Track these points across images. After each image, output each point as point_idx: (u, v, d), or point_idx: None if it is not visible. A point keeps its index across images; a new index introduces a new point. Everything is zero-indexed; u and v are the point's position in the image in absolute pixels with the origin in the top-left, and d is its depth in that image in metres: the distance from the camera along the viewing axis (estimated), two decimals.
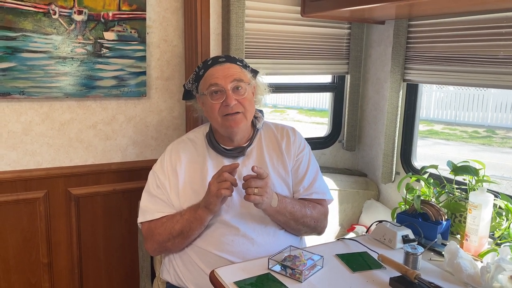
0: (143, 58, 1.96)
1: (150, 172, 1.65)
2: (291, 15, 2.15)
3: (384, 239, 1.57)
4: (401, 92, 2.15)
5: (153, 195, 1.59)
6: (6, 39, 1.71)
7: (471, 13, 1.78)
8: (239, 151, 1.62)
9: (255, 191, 1.40)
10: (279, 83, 2.22)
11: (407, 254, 1.36)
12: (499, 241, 1.56)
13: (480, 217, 1.50)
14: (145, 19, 1.94)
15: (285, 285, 1.26)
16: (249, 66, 1.64)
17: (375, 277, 1.33)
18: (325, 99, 10.72)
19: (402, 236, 1.54)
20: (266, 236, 1.55)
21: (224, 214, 1.53)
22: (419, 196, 1.70)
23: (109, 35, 1.88)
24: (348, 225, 2.32)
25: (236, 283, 1.25)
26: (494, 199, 1.55)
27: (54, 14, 1.77)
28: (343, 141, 2.49)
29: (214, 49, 2.00)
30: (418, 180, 1.83)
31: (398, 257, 1.37)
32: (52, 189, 1.93)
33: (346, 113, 2.45)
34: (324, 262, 1.38)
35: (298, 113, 11.95)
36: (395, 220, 1.71)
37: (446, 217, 1.63)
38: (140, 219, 1.60)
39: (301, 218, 1.57)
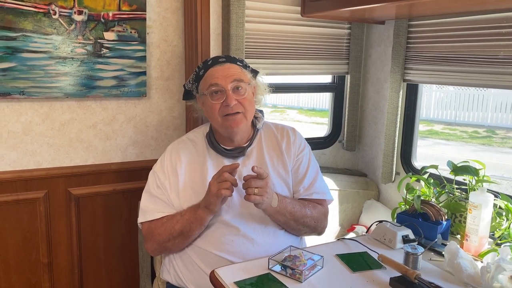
0: (143, 58, 1.96)
1: (150, 172, 1.65)
2: (291, 15, 2.15)
3: (384, 239, 1.57)
4: (401, 92, 2.15)
5: (153, 195, 1.59)
6: (6, 39, 1.71)
7: (471, 13, 1.78)
8: (239, 151, 1.62)
9: (255, 191, 1.40)
10: (279, 83, 2.22)
11: (407, 254, 1.36)
12: (499, 241, 1.56)
13: (480, 217, 1.50)
14: (145, 19, 1.94)
15: (285, 285, 1.26)
16: (249, 66, 1.64)
17: (375, 277, 1.33)
18: (325, 99, 10.73)
19: (402, 236, 1.54)
20: (266, 236, 1.55)
21: (224, 214, 1.53)
22: (419, 196, 1.70)
23: (109, 35, 1.88)
24: (348, 225, 2.32)
25: (236, 283, 1.25)
26: (494, 199, 1.55)
27: (54, 14, 1.77)
28: (343, 141, 2.49)
29: (214, 49, 2.00)
30: (418, 180, 1.83)
31: (398, 257, 1.37)
32: (52, 189, 1.93)
33: (346, 113, 2.45)
34: (324, 262, 1.38)
35: (298, 113, 11.95)
36: (395, 220, 1.71)
37: (446, 217, 1.63)
38: (140, 219, 1.60)
39: (301, 218, 1.57)
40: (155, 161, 1.68)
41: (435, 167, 1.82)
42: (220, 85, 1.53)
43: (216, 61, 1.58)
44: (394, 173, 2.23)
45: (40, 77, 1.80)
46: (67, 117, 1.92)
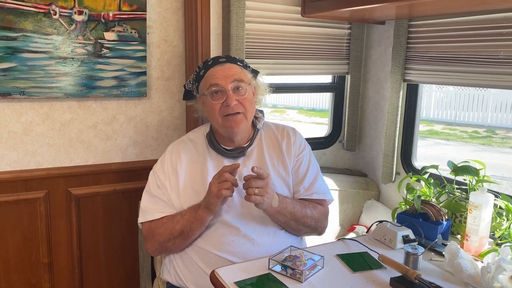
0: (143, 58, 1.96)
1: (151, 172, 1.65)
2: (291, 15, 2.15)
3: (385, 239, 1.57)
4: (401, 92, 2.15)
5: (154, 195, 1.59)
6: (6, 39, 1.71)
7: (471, 13, 1.78)
8: (239, 152, 1.62)
9: (256, 191, 1.40)
10: (279, 83, 2.22)
11: (407, 254, 1.36)
12: (499, 241, 1.56)
13: (480, 217, 1.50)
14: (146, 19, 1.94)
15: (285, 285, 1.26)
16: (249, 66, 1.64)
17: (376, 277, 1.33)
18: (325, 99, 10.72)
19: (402, 236, 1.54)
20: (267, 236, 1.55)
21: (224, 214, 1.53)
22: (419, 196, 1.70)
23: (110, 35, 1.88)
24: (349, 225, 2.32)
25: (236, 283, 1.26)
26: (495, 199, 1.55)
27: (55, 14, 1.77)
28: (343, 141, 2.49)
29: (215, 49, 2.00)
30: (418, 180, 1.83)
31: (399, 257, 1.37)
32: (52, 189, 1.93)
33: (346, 113, 2.45)
34: (325, 262, 1.38)
35: (298, 113, 11.95)
36: (396, 220, 1.71)
37: (446, 217, 1.63)
38: (141, 219, 1.60)
39: (302, 218, 1.57)
40: (155, 161, 1.68)
41: (435, 167, 1.82)
42: (220, 85, 1.53)
43: (216, 61, 1.58)
44: (394, 173, 2.23)
45: (40, 77, 1.80)
46: (68, 117, 1.92)
